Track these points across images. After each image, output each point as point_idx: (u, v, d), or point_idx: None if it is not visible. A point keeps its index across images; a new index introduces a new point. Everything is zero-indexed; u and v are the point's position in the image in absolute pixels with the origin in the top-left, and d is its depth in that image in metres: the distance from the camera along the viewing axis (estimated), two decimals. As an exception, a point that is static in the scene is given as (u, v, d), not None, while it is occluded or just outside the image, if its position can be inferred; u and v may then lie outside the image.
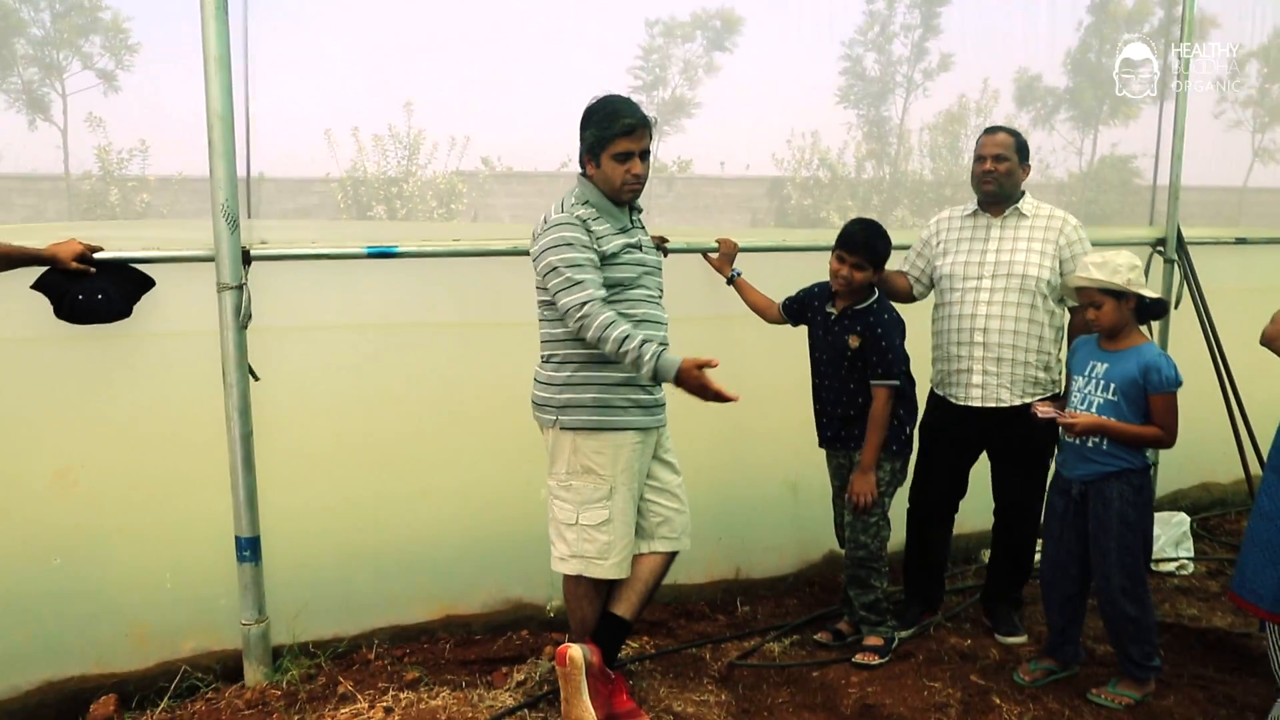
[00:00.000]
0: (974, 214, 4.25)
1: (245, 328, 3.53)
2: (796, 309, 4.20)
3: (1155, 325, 5.50)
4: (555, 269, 3.28)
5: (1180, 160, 5.50)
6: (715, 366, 3.18)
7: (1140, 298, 3.59)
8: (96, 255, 3.38)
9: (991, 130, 4.25)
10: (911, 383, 4.07)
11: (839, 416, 4.05)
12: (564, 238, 3.29)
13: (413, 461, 4.14)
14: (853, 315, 3.96)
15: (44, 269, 3.30)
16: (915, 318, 4.24)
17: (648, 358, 3.16)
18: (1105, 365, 3.63)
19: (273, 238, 3.70)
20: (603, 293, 3.29)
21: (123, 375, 3.68)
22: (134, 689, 3.67)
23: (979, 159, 4.17)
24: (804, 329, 4.21)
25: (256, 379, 3.59)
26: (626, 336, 3.19)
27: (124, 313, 3.45)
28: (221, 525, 3.65)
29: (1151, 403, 3.56)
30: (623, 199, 3.45)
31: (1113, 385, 3.59)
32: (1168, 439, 3.61)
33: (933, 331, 4.30)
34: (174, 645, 3.79)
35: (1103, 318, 3.60)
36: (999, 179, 4.12)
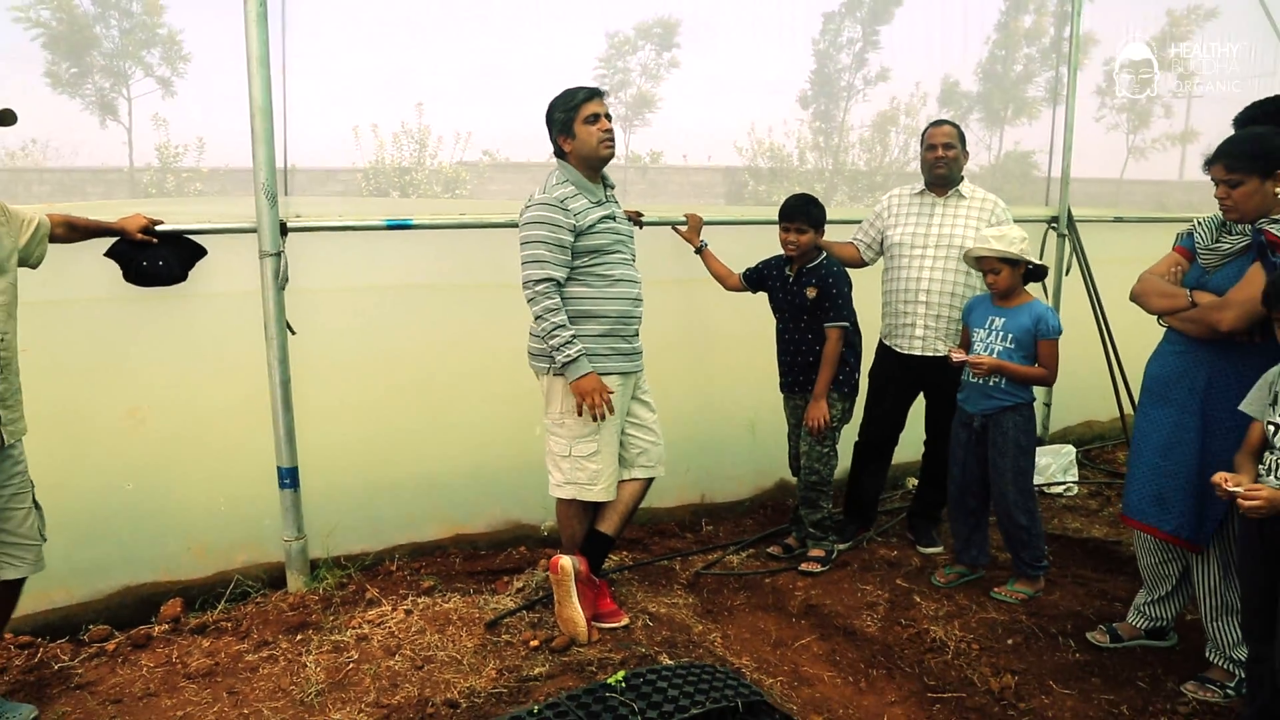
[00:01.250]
0: (921, 193, 4.32)
1: (283, 289, 3.56)
2: (756, 278, 4.25)
3: (1050, 287, 5.63)
4: (527, 242, 3.31)
5: (1070, 152, 5.62)
6: (612, 394, 3.35)
7: (1028, 263, 3.72)
8: (158, 227, 3.39)
9: (938, 123, 4.30)
10: (858, 334, 4.14)
11: (799, 364, 4.11)
12: (540, 216, 3.31)
13: (427, 403, 4.17)
14: (808, 272, 4.03)
15: (114, 239, 3.33)
16: (865, 284, 4.32)
17: (573, 351, 3.26)
18: (1003, 319, 3.75)
19: (306, 212, 3.71)
20: (561, 274, 3.31)
21: (181, 330, 3.70)
22: (196, 594, 3.73)
23: (930, 147, 4.23)
24: (761, 295, 4.28)
25: (293, 333, 3.63)
26: (563, 325, 3.27)
27: (181, 277, 3.47)
28: (265, 457, 3.70)
29: (1040, 348, 3.70)
30: (602, 154, 3.42)
31: (1010, 335, 3.71)
32: (1051, 378, 3.77)
33: (883, 291, 4.37)
34: (228, 558, 3.84)
35: (1000, 281, 3.72)
36: (949, 163, 4.20)
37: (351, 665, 3.18)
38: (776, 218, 4.04)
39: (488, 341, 4.14)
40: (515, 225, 3.41)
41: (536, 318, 3.32)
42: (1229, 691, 3.04)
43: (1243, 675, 3.04)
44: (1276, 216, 2.82)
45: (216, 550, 3.81)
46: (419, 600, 3.66)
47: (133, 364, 3.65)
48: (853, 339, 4.10)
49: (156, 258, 3.38)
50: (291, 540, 3.75)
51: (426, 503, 4.22)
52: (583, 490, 3.47)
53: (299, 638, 3.38)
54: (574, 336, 3.28)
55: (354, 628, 3.44)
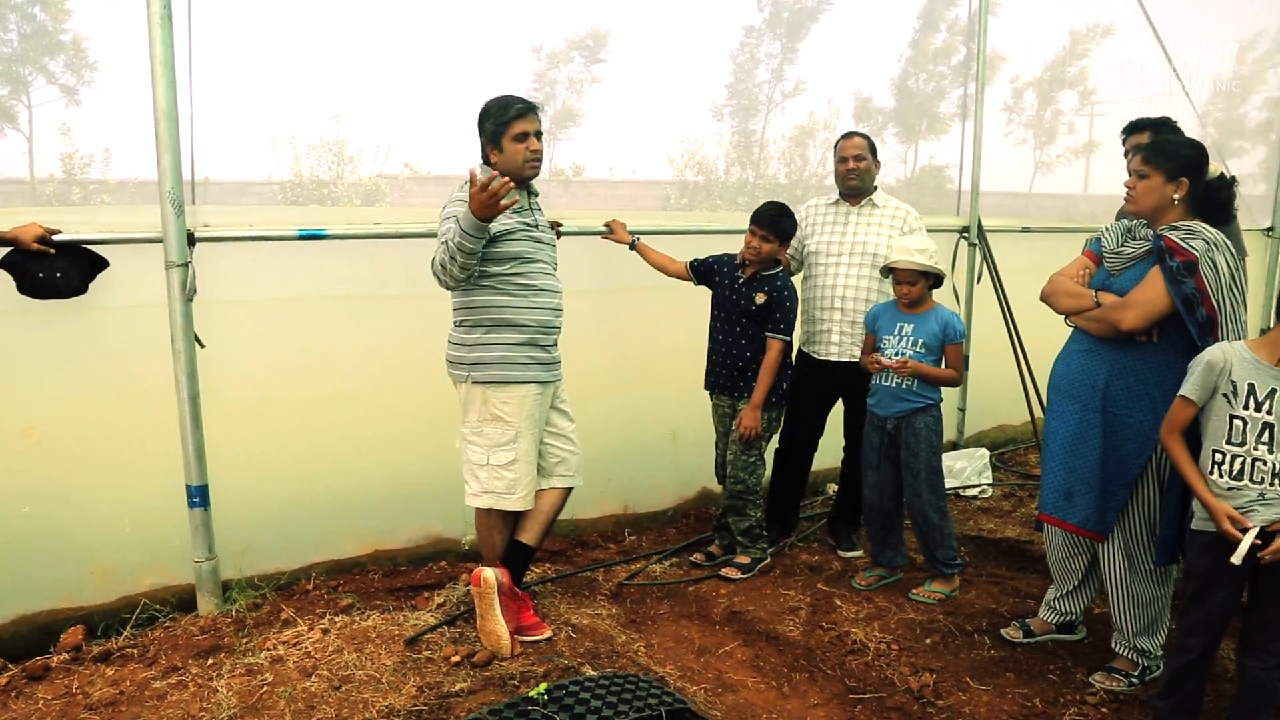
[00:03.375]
0: (836, 203, 4.40)
1: (191, 301, 3.45)
2: (704, 271, 4.27)
3: (961, 295, 5.79)
4: (439, 236, 3.26)
5: (979, 164, 5.81)
6: (474, 178, 3.09)
7: (940, 274, 3.88)
8: (55, 237, 3.25)
9: (848, 135, 4.37)
10: (790, 349, 4.17)
11: (729, 365, 4.13)
12: (455, 212, 3.26)
13: (343, 417, 4.08)
14: (762, 278, 4.06)
15: (7, 250, 3.18)
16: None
17: (458, 221, 3.12)
18: (912, 325, 3.88)
19: (215, 222, 3.61)
20: None
21: (82, 345, 3.55)
22: (99, 620, 3.58)
23: (841, 160, 4.30)
24: (697, 290, 4.30)
25: (203, 346, 3.52)
26: (445, 241, 3.17)
27: (80, 290, 3.33)
28: (173, 475, 3.57)
29: (948, 351, 3.85)
30: (525, 174, 3.42)
31: (920, 340, 3.84)
32: (959, 378, 3.92)
33: (801, 299, 4.41)
34: (134, 581, 3.69)
35: (914, 292, 3.85)
36: (860, 174, 4.28)
37: (266, 688, 3.07)
38: (697, 227, 4.08)
39: (405, 354, 4.09)
40: (432, 235, 3.36)
41: (443, 267, 3.22)
42: (1133, 680, 3.15)
43: (1146, 664, 3.16)
44: (1176, 224, 2.95)
45: (121, 574, 3.66)
46: (336, 619, 3.57)
47: (28, 381, 3.48)
48: (788, 356, 4.15)
49: (54, 269, 3.24)
50: (202, 561, 3.63)
51: (343, 519, 4.13)
52: (500, 499, 3.44)
53: (210, 662, 3.27)
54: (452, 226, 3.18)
55: (268, 649, 3.33)
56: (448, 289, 3.36)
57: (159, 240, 3.39)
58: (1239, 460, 2.57)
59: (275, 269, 3.89)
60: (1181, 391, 2.69)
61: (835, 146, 4.40)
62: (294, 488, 4.00)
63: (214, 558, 3.66)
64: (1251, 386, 2.57)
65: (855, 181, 4.29)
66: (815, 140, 7.16)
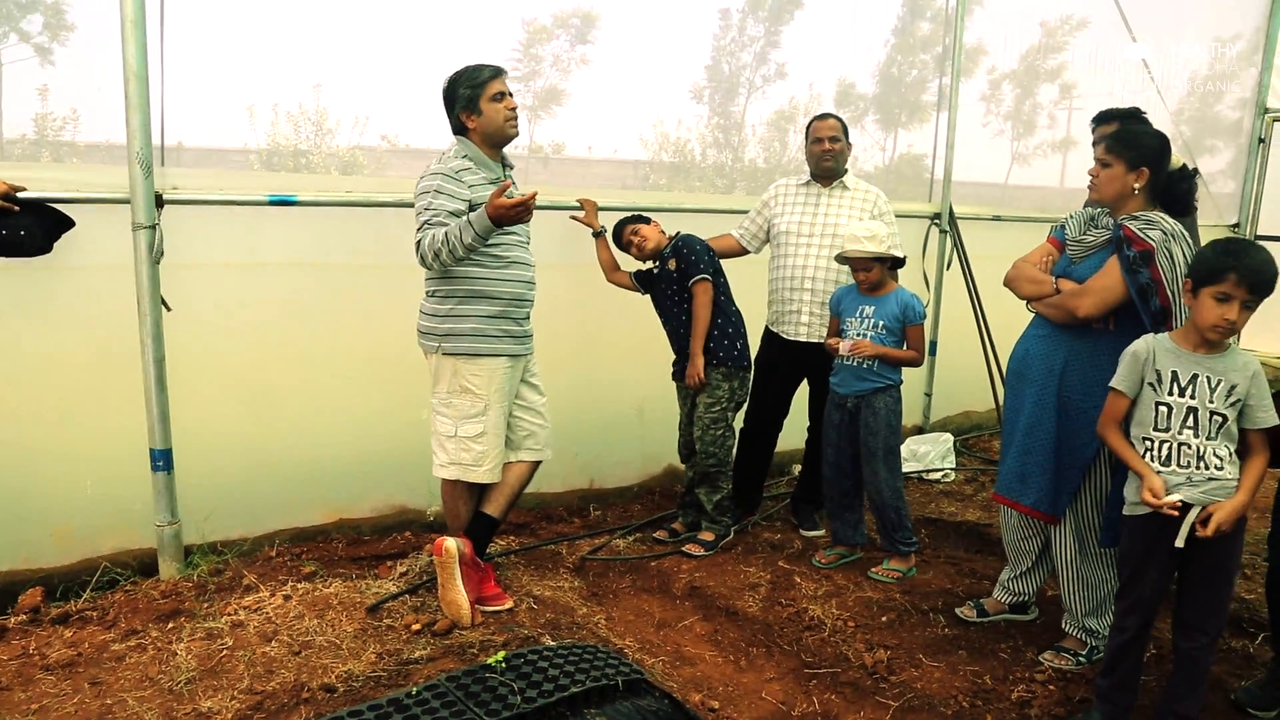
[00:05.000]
0: (807, 183, 4.42)
1: (158, 263, 3.42)
2: (647, 280, 4.32)
3: (931, 281, 5.84)
4: (422, 211, 3.26)
5: (953, 150, 5.86)
6: (508, 190, 3.16)
7: (896, 257, 3.92)
8: (20, 195, 3.22)
9: (823, 116, 4.39)
10: (732, 303, 4.20)
11: (685, 348, 4.17)
12: (434, 185, 3.27)
13: (310, 384, 4.06)
14: (668, 252, 4.15)
15: None
16: (750, 273, 4.40)
17: (471, 224, 3.15)
18: (873, 308, 3.93)
19: (184, 185, 3.57)
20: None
21: (46, 304, 3.51)
22: (59, 582, 3.55)
23: (816, 140, 4.31)
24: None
25: (169, 309, 3.49)
26: (445, 232, 3.17)
27: (45, 249, 3.30)
28: (137, 439, 3.54)
29: (909, 333, 3.90)
30: (508, 133, 3.42)
31: (881, 322, 3.89)
32: (920, 359, 3.97)
33: (769, 279, 4.45)
34: (95, 544, 3.66)
35: (872, 277, 3.91)
36: (835, 156, 4.31)
37: (225, 652, 3.07)
38: (671, 205, 4.13)
39: (374, 323, 4.07)
40: (404, 204, 3.34)
41: (434, 259, 3.21)
42: (1081, 659, 3.22)
43: (1094, 644, 3.23)
44: (1136, 214, 2.99)
45: (82, 536, 3.63)
46: (299, 586, 3.56)
47: (-11, 339, 3.44)
48: (726, 307, 4.17)
49: (18, 227, 3.20)
50: (164, 525, 3.61)
51: (308, 487, 4.12)
52: (467, 471, 3.44)
53: (170, 626, 3.26)
54: (457, 225, 3.19)
55: (229, 614, 3.33)
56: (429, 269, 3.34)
57: (126, 201, 3.36)
58: (1165, 445, 2.64)
59: (245, 235, 3.85)
60: (1112, 384, 2.77)
61: (808, 127, 4.42)
62: (259, 455, 3.98)
63: (176, 522, 3.64)
64: (1175, 373, 2.64)
65: (830, 163, 4.31)
66: (796, 125, 7.14)
